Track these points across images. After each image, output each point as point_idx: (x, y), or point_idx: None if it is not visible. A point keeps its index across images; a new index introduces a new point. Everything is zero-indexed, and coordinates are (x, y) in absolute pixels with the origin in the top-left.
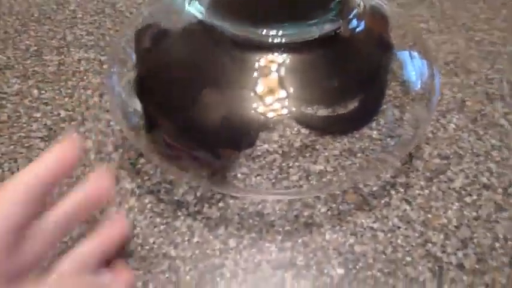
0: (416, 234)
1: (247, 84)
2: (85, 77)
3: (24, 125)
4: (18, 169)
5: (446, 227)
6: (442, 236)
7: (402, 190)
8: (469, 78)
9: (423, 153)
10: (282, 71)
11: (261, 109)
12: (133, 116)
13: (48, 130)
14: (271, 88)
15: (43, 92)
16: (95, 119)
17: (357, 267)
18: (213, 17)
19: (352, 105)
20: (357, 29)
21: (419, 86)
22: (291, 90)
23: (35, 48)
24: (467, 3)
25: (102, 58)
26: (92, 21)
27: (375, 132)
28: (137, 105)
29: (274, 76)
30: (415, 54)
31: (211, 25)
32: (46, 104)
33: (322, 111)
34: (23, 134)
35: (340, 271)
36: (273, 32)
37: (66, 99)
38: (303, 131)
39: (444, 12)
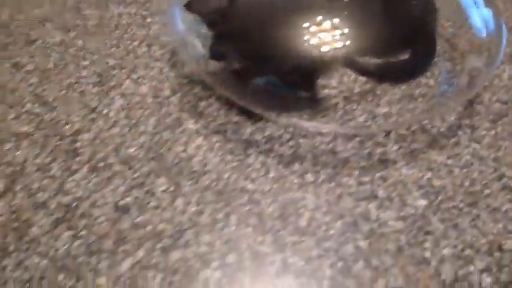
0: (491, 170)
1: (310, 23)
2: (129, 30)
3: (73, 72)
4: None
5: None
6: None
7: (469, 131)
8: None
9: (483, 98)
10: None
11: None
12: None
13: (98, 76)
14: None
15: (87, 43)
16: (146, 67)
17: (438, 199)
18: None
19: (404, 54)
20: None
21: (485, 35)
22: (348, 31)
23: (73, 3)
24: None
25: (144, 13)
26: None
27: (431, 80)
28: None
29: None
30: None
31: None
32: (92, 53)
33: (375, 60)
34: (73, 80)
35: (423, 202)
36: None
37: (113, 49)
38: (360, 78)
39: None
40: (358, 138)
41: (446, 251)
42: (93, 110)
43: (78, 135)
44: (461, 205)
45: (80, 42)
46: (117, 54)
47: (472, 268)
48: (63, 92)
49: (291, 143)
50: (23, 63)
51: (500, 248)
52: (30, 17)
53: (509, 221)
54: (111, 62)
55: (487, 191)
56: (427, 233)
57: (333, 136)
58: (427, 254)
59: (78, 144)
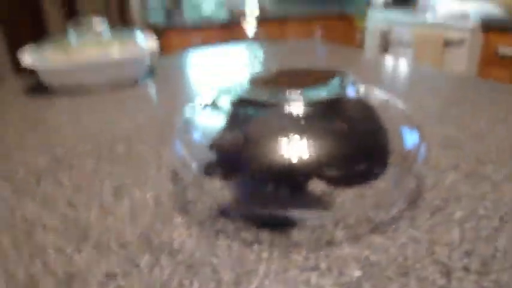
0: (423, 248)
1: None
2: (143, 158)
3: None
4: None
5: (449, 244)
6: (447, 250)
7: (408, 221)
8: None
9: (426, 197)
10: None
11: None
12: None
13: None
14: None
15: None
16: (152, 181)
17: (373, 269)
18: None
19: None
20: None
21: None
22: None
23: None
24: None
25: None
26: None
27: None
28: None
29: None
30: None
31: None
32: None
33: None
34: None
35: (358, 273)
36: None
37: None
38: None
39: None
40: (310, 228)
41: None
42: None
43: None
44: (392, 275)
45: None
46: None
47: None
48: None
49: (255, 232)
50: None
51: None
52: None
53: (435, 286)
54: (128, 180)
55: (418, 265)
56: None
57: (290, 226)
58: None
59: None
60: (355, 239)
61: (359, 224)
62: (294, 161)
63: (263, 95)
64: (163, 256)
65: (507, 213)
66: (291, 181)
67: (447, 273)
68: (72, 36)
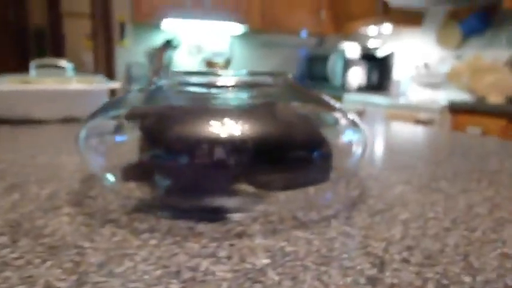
0: (356, 242)
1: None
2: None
3: None
4: None
5: (389, 239)
6: (383, 244)
7: (343, 220)
8: None
9: (367, 202)
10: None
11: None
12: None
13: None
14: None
15: None
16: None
17: (285, 259)
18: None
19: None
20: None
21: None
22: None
23: None
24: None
25: None
26: None
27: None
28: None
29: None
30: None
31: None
32: None
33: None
34: None
35: (265, 261)
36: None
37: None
38: None
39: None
40: (222, 221)
41: None
42: None
43: None
44: (309, 264)
45: None
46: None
47: None
48: None
49: (153, 221)
50: None
51: None
52: None
53: (361, 276)
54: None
55: (344, 255)
56: (257, 281)
57: (197, 219)
58: None
59: None
60: (272, 232)
61: (282, 221)
62: (219, 135)
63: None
64: (24, 238)
65: (460, 217)
66: (215, 164)
67: (380, 264)
68: (34, 70)
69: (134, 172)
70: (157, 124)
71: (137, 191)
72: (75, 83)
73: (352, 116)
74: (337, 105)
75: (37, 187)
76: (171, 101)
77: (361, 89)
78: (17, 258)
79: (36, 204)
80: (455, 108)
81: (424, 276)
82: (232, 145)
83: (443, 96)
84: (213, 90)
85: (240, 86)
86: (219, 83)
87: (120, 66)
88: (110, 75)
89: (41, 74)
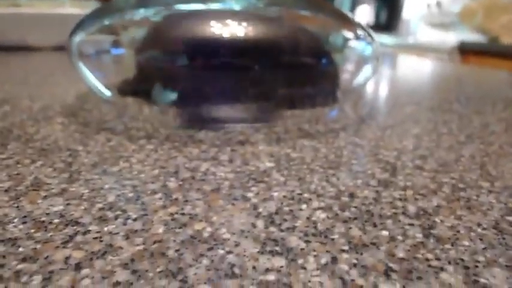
0: (365, 150)
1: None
2: None
3: None
4: None
5: (401, 149)
6: (395, 152)
7: (352, 131)
8: None
9: (376, 120)
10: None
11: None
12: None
13: None
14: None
15: None
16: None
17: (290, 163)
18: None
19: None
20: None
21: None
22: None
23: None
24: None
25: None
26: None
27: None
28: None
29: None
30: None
31: None
32: None
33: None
34: None
35: (270, 164)
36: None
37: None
38: None
39: None
40: (223, 131)
41: (276, 194)
42: None
43: None
44: (315, 167)
45: None
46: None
47: (304, 206)
48: None
49: (150, 130)
50: None
51: (352, 195)
52: None
53: (372, 179)
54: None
55: (353, 161)
56: (260, 181)
57: (196, 128)
58: (249, 195)
59: None
60: (276, 141)
61: (286, 132)
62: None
63: None
64: (13, 142)
65: (475, 133)
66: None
67: (392, 169)
68: None
69: (131, 86)
70: (155, 28)
71: (135, 103)
72: (69, 7)
73: (364, 27)
74: (349, 16)
75: (29, 101)
76: (166, 3)
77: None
78: (5, 159)
79: (28, 114)
80: (465, 49)
81: (439, 181)
82: (236, 47)
83: (453, 37)
84: None
85: None
86: None
87: None
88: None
89: None
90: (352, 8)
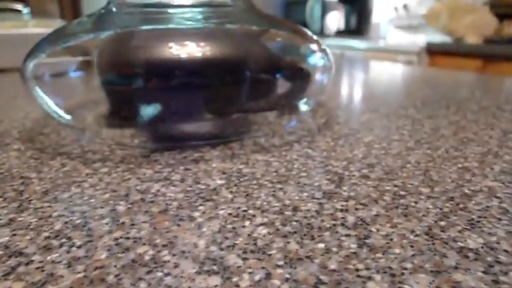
0: (316, 162)
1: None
2: None
3: None
4: None
5: (351, 158)
6: (344, 162)
7: (306, 144)
8: None
9: (333, 128)
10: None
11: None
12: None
13: None
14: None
15: None
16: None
17: (240, 180)
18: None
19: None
20: None
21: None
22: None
23: None
24: None
25: None
26: None
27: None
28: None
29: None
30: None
31: None
32: None
33: None
34: None
35: (219, 182)
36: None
37: None
38: None
39: None
40: (179, 150)
41: (222, 212)
42: None
43: None
44: (264, 182)
45: None
46: None
47: (247, 223)
48: None
49: (107, 152)
50: None
51: (296, 209)
52: None
53: (318, 191)
54: None
55: (302, 174)
56: (208, 200)
57: (152, 148)
58: (196, 214)
59: None
60: (231, 157)
61: (242, 146)
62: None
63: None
64: None
65: (424, 138)
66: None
67: (339, 180)
68: None
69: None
70: (109, 49)
71: (93, 125)
72: (32, 27)
73: (317, 40)
74: (302, 29)
75: None
76: (121, 24)
77: (339, 34)
78: None
79: None
80: (432, 50)
81: (381, 189)
82: (189, 66)
83: (422, 39)
84: (167, 10)
85: (196, 6)
86: (173, 2)
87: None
88: None
89: None
90: (323, 15)
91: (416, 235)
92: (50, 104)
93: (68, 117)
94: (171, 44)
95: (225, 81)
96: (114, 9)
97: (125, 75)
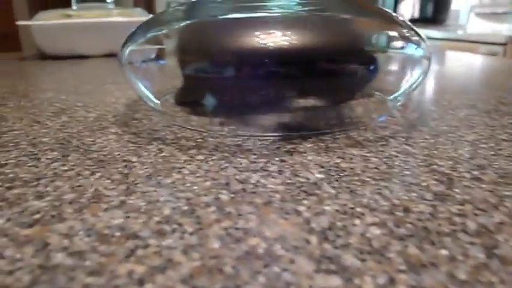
0: (419, 160)
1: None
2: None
3: None
4: None
5: (457, 158)
6: (450, 162)
7: (403, 139)
8: None
9: (429, 123)
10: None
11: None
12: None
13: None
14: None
15: None
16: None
17: (340, 174)
18: None
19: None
20: None
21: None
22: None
23: None
24: None
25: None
26: None
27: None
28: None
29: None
30: None
31: None
32: None
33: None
34: None
35: (319, 176)
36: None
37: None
38: None
39: None
40: (270, 140)
41: (328, 208)
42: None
43: None
44: (367, 179)
45: None
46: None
47: (357, 221)
48: None
49: (199, 140)
50: None
51: (407, 210)
52: None
53: (427, 192)
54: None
55: (406, 172)
56: (311, 194)
57: (244, 137)
58: (301, 208)
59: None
60: (325, 150)
61: (334, 139)
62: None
63: None
64: (73, 153)
65: None
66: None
67: (448, 181)
68: (75, 4)
69: (183, 96)
70: (199, 37)
71: (183, 112)
72: (117, 16)
73: (415, 30)
74: (399, 18)
75: (84, 111)
76: (211, 13)
77: (414, 22)
78: (67, 170)
79: (84, 125)
80: None
81: (499, 194)
82: (281, 57)
83: (507, 28)
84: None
85: None
86: None
87: (160, 2)
88: (150, 10)
89: (82, 8)
90: (396, 2)
91: None
92: (142, 88)
93: (157, 101)
94: (261, 34)
95: (315, 72)
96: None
97: (216, 64)
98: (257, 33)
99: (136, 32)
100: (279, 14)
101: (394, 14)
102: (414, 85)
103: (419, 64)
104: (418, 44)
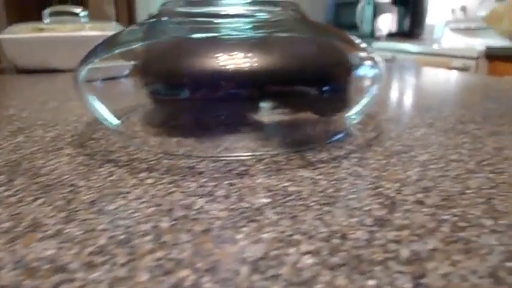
0: (367, 183)
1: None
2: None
3: None
4: None
5: (404, 180)
6: (397, 184)
7: (355, 160)
8: None
9: (384, 144)
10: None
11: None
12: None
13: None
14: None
15: None
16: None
17: (286, 199)
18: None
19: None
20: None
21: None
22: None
23: None
24: None
25: None
26: None
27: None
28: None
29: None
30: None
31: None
32: None
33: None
34: None
35: (264, 200)
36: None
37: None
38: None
39: None
40: (224, 161)
41: (266, 235)
42: None
43: None
44: (311, 204)
45: None
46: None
47: (292, 250)
48: None
49: (153, 161)
50: None
51: (344, 237)
52: None
53: (368, 217)
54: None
55: (351, 196)
56: (252, 221)
57: (199, 159)
58: (239, 236)
59: None
60: (276, 172)
61: (288, 161)
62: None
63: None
64: (21, 177)
65: (486, 159)
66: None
67: (391, 205)
68: (47, 18)
69: (150, 116)
70: (158, 57)
71: (141, 132)
72: (89, 30)
73: (368, 50)
74: (352, 38)
75: (42, 130)
76: (170, 34)
77: (391, 36)
78: (9, 196)
79: (40, 145)
80: (492, 55)
81: (439, 218)
82: (239, 78)
83: (480, 43)
84: (215, 20)
85: (244, 16)
86: (221, 12)
87: (142, 17)
88: (132, 23)
89: (55, 21)
90: (374, 16)
91: (480, 277)
92: (99, 109)
93: (116, 122)
94: (218, 54)
95: (272, 92)
96: (164, 18)
97: (171, 85)
98: (214, 54)
99: (94, 51)
100: (238, 36)
101: (350, 35)
102: (368, 104)
103: (373, 83)
104: (372, 65)
